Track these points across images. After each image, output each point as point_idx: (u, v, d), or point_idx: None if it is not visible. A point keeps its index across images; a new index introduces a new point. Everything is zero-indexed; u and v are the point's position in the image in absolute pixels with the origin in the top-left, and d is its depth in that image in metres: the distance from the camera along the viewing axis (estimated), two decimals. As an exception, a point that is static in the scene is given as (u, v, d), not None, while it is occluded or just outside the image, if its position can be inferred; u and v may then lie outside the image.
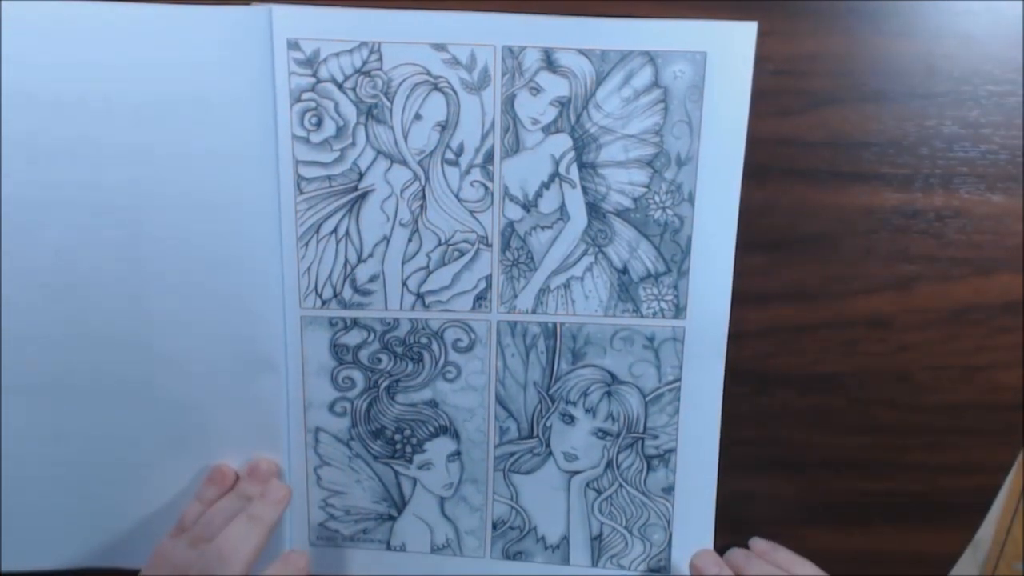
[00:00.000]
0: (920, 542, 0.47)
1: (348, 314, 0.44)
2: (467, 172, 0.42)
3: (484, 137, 0.41)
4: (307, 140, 0.41)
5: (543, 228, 0.43)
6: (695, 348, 0.44)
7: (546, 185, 0.42)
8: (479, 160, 0.42)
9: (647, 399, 0.45)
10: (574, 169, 0.42)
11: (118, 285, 0.42)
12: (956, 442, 0.46)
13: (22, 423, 0.44)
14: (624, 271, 0.43)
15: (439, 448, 0.46)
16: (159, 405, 0.44)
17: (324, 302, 0.43)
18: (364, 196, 0.42)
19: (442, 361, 0.44)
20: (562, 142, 0.41)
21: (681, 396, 0.45)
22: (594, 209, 0.42)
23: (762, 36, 0.40)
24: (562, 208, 0.42)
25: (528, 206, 0.42)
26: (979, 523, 0.48)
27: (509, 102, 0.41)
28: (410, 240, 0.43)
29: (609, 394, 0.45)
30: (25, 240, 0.42)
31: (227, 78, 0.40)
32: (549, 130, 0.41)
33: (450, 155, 0.42)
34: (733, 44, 0.40)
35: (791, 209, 0.43)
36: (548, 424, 0.45)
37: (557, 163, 0.42)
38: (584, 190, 0.42)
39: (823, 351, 0.45)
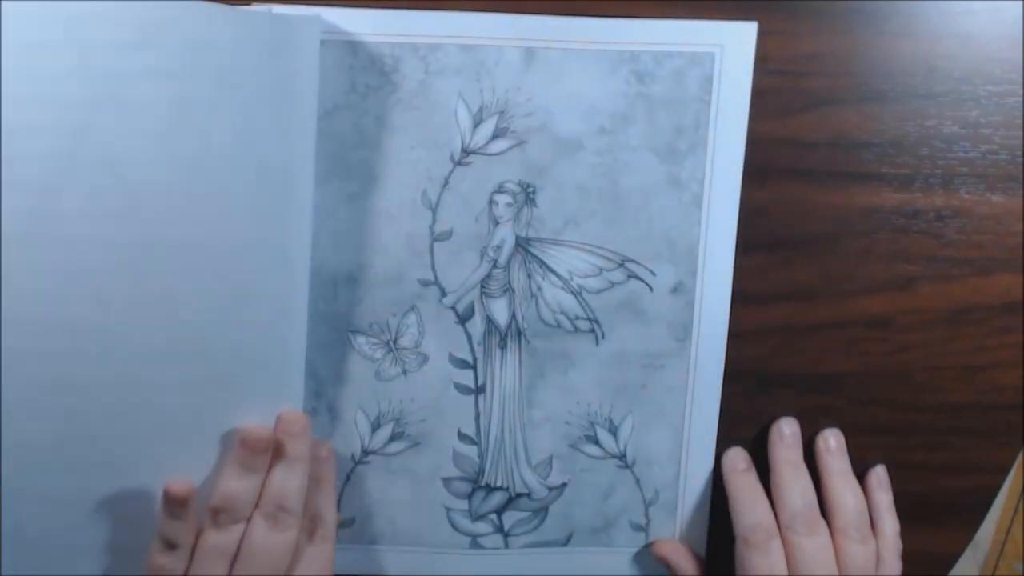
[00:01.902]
0: (920, 542, 0.47)
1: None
2: None
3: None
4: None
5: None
6: (695, 350, 0.44)
7: None
8: None
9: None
10: None
11: (130, 288, 0.41)
12: (956, 442, 0.46)
13: (23, 429, 0.43)
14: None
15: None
16: (166, 411, 0.43)
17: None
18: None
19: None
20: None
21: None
22: None
23: (762, 36, 0.40)
24: None
25: None
26: (979, 523, 0.48)
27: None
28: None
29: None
30: (32, 243, 0.41)
31: (248, 79, 0.39)
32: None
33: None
34: (733, 44, 0.40)
35: (791, 209, 0.43)
36: None
37: None
38: None
39: (823, 351, 0.45)
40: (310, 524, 0.41)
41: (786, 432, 0.45)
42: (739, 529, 0.43)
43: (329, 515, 0.42)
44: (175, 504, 0.38)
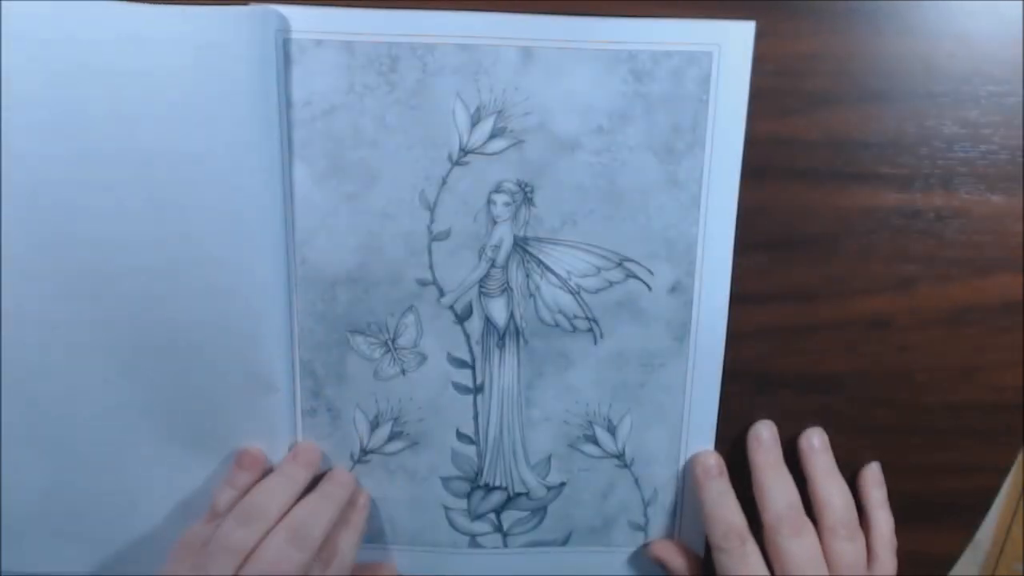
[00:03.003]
0: (920, 542, 0.47)
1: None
2: None
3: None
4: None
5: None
6: (693, 349, 0.44)
7: None
8: None
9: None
10: None
11: (117, 300, 0.42)
12: (956, 442, 0.46)
13: (23, 429, 0.44)
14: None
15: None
16: (163, 421, 0.44)
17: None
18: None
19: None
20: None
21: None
22: None
23: (760, 35, 0.40)
24: None
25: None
26: (979, 524, 0.48)
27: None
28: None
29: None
30: (22, 247, 0.41)
31: (231, 80, 0.39)
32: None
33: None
34: (731, 43, 0.40)
35: (791, 209, 0.43)
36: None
37: None
38: None
39: (823, 351, 0.45)
40: (327, 555, 0.42)
41: (764, 435, 0.45)
42: (712, 536, 0.44)
43: (348, 553, 0.43)
44: (244, 468, 0.43)
